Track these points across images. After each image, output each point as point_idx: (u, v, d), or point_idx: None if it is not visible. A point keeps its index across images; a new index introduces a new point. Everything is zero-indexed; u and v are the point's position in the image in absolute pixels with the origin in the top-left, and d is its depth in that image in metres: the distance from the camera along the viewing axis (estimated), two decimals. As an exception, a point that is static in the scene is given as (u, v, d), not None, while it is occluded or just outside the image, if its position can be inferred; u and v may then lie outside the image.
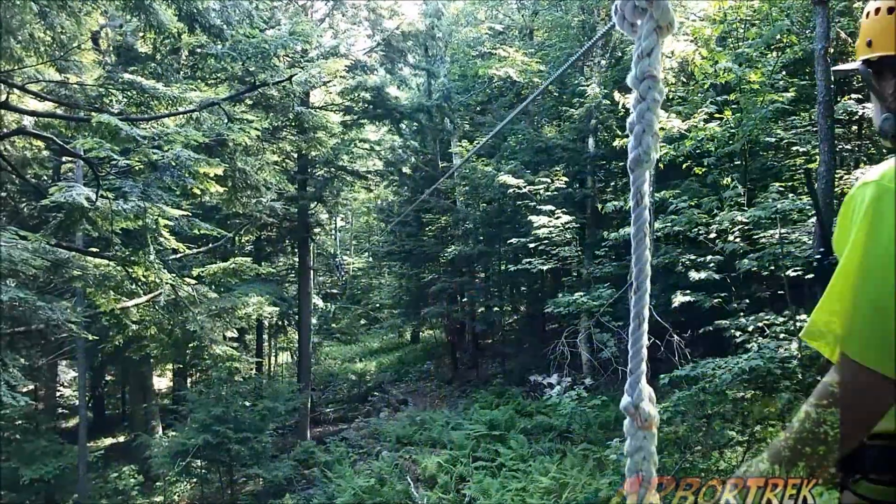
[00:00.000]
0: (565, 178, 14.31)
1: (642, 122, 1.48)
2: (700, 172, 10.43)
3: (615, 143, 11.87)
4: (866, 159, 11.20)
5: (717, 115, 9.58)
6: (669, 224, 9.70)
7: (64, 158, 13.27)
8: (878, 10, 1.38)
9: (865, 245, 1.21)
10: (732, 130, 9.36)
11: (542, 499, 10.24)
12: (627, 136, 1.50)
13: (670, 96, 10.38)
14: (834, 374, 1.24)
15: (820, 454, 1.24)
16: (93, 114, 5.62)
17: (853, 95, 9.90)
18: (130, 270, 7.15)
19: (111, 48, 8.91)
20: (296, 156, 16.02)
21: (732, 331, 8.36)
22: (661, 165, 10.12)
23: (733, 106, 9.51)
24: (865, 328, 1.19)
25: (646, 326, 1.45)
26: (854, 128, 11.94)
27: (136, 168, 6.71)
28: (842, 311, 1.24)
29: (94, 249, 7.79)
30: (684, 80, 10.71)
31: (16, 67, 6.62)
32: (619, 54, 15.28)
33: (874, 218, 1.21)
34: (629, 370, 1.50)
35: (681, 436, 9.44)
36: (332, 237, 26.47)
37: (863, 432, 1.25)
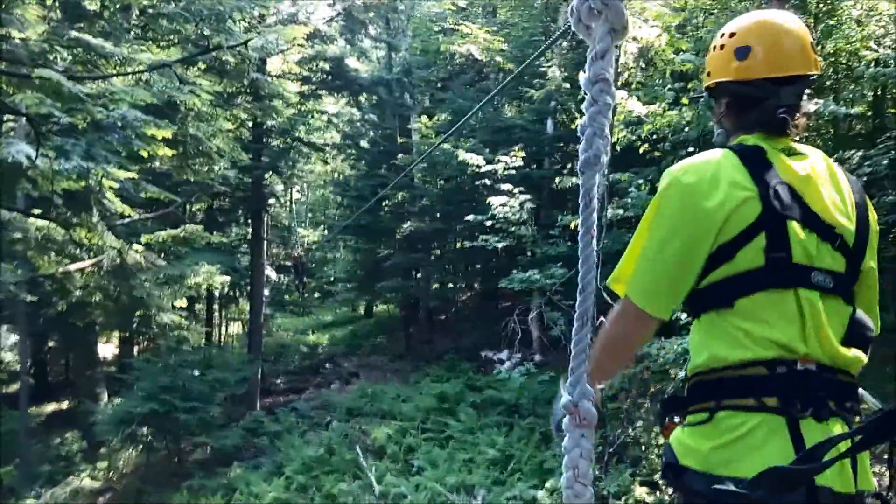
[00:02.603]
0: (522, 154, 14.36)
1: (594, 126, 1.50)
2: (656, 156, 10.59)
3: (574, 126, 11.94)
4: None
5: (678, 103, 9.70)
6: (622, 211, 9.83)
7: (5, 117, 12.82)
8: (714, 48, 1.71)
9: (649, 217, 1.60)
10: (687, 118, 9.50)
11: (489, 469, 10.43)
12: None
13: (629, 80, 10.47)
14: (617, 306, 1.64)
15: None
16: (35, 70, 5.43)
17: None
18: (73, 233, 6.96)
19: (57, 4, 8.57)
20: (251, 124, 15.73)
21: (679, 313, 8.55)
22: (617, 148, 10.23)
23: (690, 95, 9.64)
24: (639, 277, 1.59)
25: (590, 326, 1.52)
26: (803, 119, 12.20)
27: (80, 127, 6.50)
28: (630, 264, 1.63)
29: (36, 211, 7.56)
30: (643, 65, 10.81)
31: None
32: (581, 37, 15.30)
33: (660, 198, 1.59)
34: (570, 369, 1.54)
35: (624, 411, 9.69)
36: (287, 209, 26.13)
37: (628, 350, 1.80)
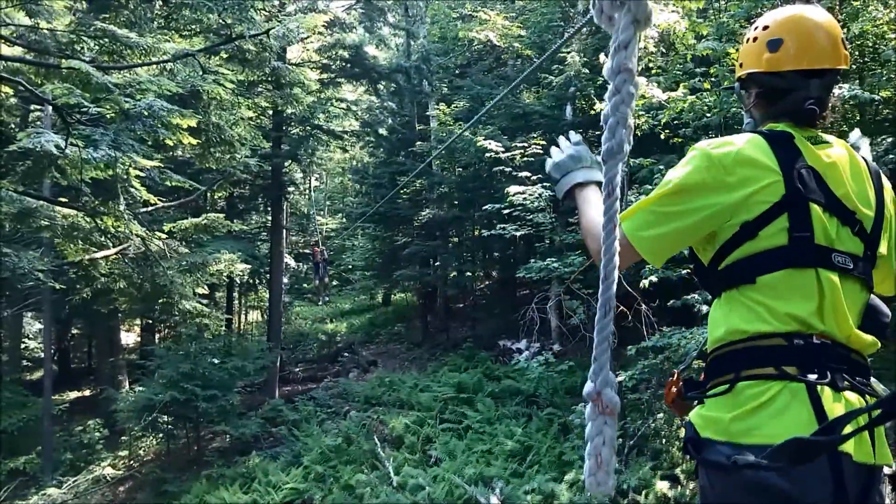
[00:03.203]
0: (542, 143, 14.28)
1: (616, 115, 1.50)
2: (677, 143, 10.49)
3: (593, 111, 11.84)
4: (838, 135, 11.34)
5: (699, 89, 9.59)
6: (643, 196, 9.74)
7: (32, 106, 12.93)
8: (748, 40, 1.78)
9: (671, 175, 1.66)
10: (709, 103, 9.39)
11: (507, 461, 10.44)
12: (605, 102, 1.54)
13: (649, 65, 10.36)
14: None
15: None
16: (63, 60, 5.45)
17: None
18: (99, 221, 7.02)
19: (82, -7, 8.62)
20: (271, 112, 15.76)
21: (699, 305, 8.49)
22: (637, 133, 10.14)
23: (712, 80, 9.53)
24: (640, 216, 1.67)
25: (612, 315, 1.53)
26: (830, 113, 12.03)
27: (108, 116, 6.54)
28: (641, 207, 1.71)
29: (63, 199, 7.63)
30: (664, 49, 10.69)
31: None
32: (603, 28, 15.16)
33: (686, 161, 1.66)
34: (594, 357, 1.55)
35: (645, 402, 9.66)
36: (307, 197, 26.17)
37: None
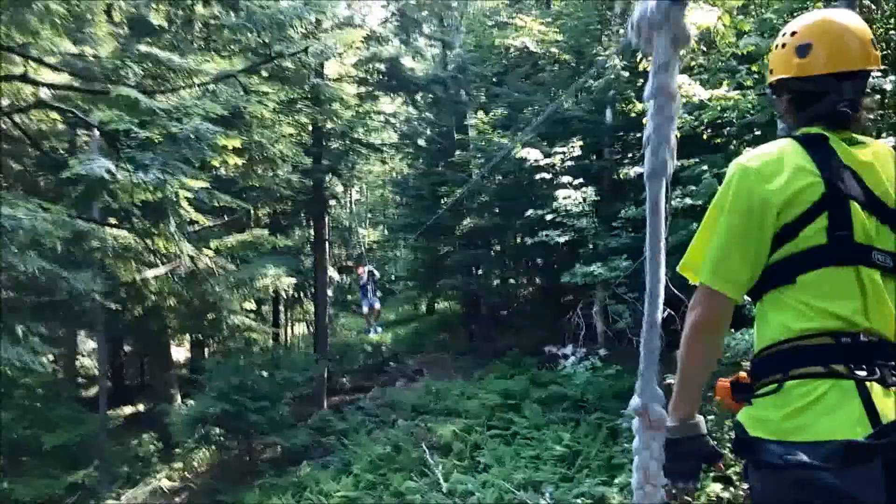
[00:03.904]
0: (580, 144, 14.18)
1: (658, 136, 1.52)
2: (720, 143, 10.32)
3: (633, 113, 11.73)
4: (888, 128, 11.01)
5: (743, 86, 9.43)
6: (688, 198, 9.61)
7: (79, 132, 13.34)
8: (777, 46, 1.81)
9: (717, 204, 1.68)
10: (752, 101, 9.22)
11: (556, 466, 10.35)
12: (644, 103, 1.55)
13: (691, 65, 10.23)
14: (694, 296, 1.70)
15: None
16: (110, 86, 5.63)
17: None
18: (150, 242, 7.21)
19: (124, 20, 8.86)
20: (311, 128, 15.98)
21: (748, 306, 8.32)
22: (679, 135, 10.01)
23: (756, 77, 9.36)
24: (711, 261, 1.66)
25: (658, 329, 1.54)
26: (877, 97, 11.71)
27: (155, 140, 6.73)
28: (699, 250, 1.72)
29: (113, 221, 7.86)
30: (704, 48, 10.54)
31: (32, 40, 6.63)
32: (642, 49, 15.03)
33: (726, 185, 1.67)
34: (640, 372, 1.57)
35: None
36: (348, 210, 26.39)
37: (711, 336, 1.71)
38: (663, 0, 1.54)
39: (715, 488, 8.40)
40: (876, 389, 1.47)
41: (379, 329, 16.30)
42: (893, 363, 1.53)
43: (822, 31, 1.70)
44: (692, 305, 1.70)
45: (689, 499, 1.68)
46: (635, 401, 1.58)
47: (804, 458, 1.40)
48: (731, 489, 8.35)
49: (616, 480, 9.35)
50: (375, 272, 13.83)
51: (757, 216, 1.60)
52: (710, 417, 9.29)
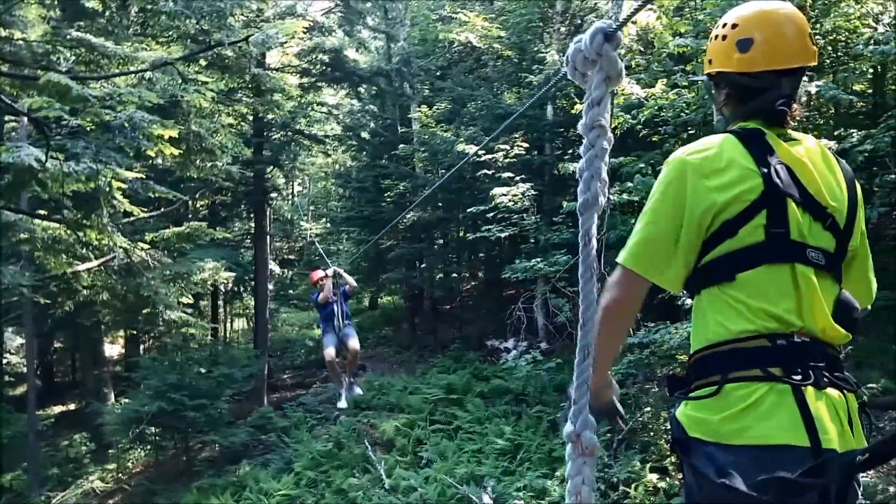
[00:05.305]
0: (525, 145, 14.32)
1: (591, 169, 1.58)
2: (656, 140, 10.55)
3: (573, 111, 11.88)
4: (812, 129, 11.48)
5: (679, 85, 9.66)
6: (625, 194, 9.81)
7: (7, 118, 12.79)
8: (716, 37, 1.76)
9: (652, 196, 1.68)
10: (688, 100, 9.46)
11: (498, 460, 10.46)
12: (581, 157, 1.60)
13: (630, 64, 10.42)
14: (613, 274, 1.70)
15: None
16: (40, 72, 5.40)
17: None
18: (81, 234, 6.96)
19: (56, 2, 8.52)
20: (252, 119, 15.70)
21: (683, 299, 8.56)
22: (617, 132, 10.19)
23: (690, 77, 9.60)
24: (633, 244, 1.67)
25: (591, 359, 1.57)
26: (797, 108, 12.15)
27: (87, 129, 6.49)
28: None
29: (43, 212, 7.56)
30: (642, 48, 10.77)
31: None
32: (579, 22, 15.28)
33: (664, 177, 1.67)
34: (573, 399, 1.62)
35: (632, 396, 9.71)
36: (290, 202, 26.03)
37: (624, 315, 1.75)
38: (597, 37, 1.60)
39: (652, 478, 8.63)
40: (810, 392, 1.50)
41: (359, 390, 9.68)
42: (824, 363, 1.56)
43: (763, 24, 1.68)
44: (609, 286, 1.70)
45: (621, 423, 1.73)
46: (568, 427, 1.63)
47: (742, 486, 1.40)
48: (668, 479, 8.59)
49: (557, 473, 9.52)
50: (346, 276, 8.52)
51: (689, 208, 1.60)
52: (646, 409, 9.55)
